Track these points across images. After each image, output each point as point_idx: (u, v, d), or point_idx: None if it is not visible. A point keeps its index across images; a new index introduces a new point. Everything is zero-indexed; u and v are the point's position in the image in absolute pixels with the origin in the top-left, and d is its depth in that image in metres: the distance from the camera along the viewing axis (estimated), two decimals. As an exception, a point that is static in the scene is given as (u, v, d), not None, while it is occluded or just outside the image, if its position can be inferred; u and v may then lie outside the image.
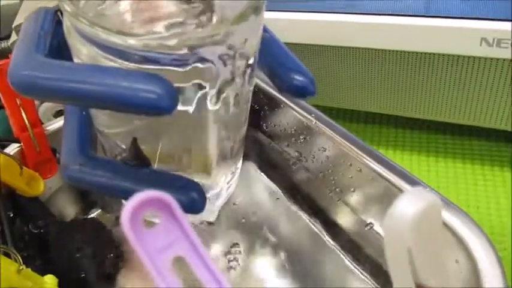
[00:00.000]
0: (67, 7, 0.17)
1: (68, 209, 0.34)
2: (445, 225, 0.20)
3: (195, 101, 0.19)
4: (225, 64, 0.18)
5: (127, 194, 0.19)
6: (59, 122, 0.33)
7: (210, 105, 0.20)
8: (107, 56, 0.17)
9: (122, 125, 0.20)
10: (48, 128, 0.32)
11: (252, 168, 0.35)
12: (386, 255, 0.13)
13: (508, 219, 0.33)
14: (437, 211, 0.13)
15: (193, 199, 0.18)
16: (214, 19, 0.18)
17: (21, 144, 0.31)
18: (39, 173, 0.31)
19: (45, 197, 0.32)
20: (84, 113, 0.23)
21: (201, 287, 0.13)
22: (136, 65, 0.17)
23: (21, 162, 0.29)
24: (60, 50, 0.20)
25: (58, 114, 0.37)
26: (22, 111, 0.30)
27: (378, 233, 0.26)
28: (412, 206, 0.12)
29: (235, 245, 0.31)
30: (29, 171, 0.30)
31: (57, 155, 0.32)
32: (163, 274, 0.12)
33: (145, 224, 0.14)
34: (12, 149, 0.31)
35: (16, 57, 0.17)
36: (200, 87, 0.18)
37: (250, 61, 0.19)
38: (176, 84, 0.16)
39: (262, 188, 0.34)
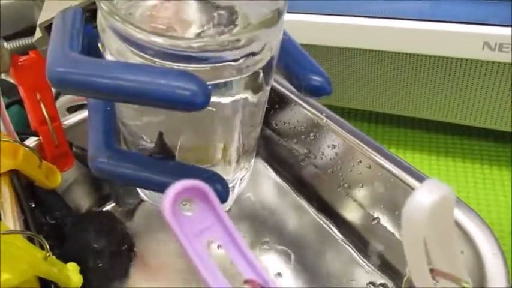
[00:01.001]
0: (103, 6, 0.18)
1: (83, 201, 0.35)
2: (462, 230, 0.21)
3: (218, 98, 0.20)
4: (246, 65, 0.19)
5: (155, 186, 0.20)
6: (75, 117, 0.34)
7: (231, 103, 0.21)
8: (136, 52, 0.18)
9: (148, 119, 0.21)
10: (65, 123, 0.33)
11: (262, 164, 0.36)
12: (404, 242, 0.15)
13: (507, 216, 0.34)
14: (451, 202, 0.14)
15: (218, 190, 0.19)
16: (239, 24, 0.19)
17: (40, 137, 0.32)
18: (57, 165, 0.32)
19: (62, 189, 0.33)
20: (108, 108, 0.24)
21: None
22: (165, 61, 0.18)
23: (40, 155, 0.30)
24: (89, 47, 0.21)
25: (71, 109, 0.38)
26: (42, 106, 0.31)
27: (384, 227, 0.27)
28: (429, 196, 0.13)
29: (244, 237, 0.33)
30: (47, 164, 0.31)
31: (73, 148, 0.33)
32: (201, 256, 0.14)
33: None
34: (31, 142, 0.32)
35: (52, 54, 0.18)
36: (223, 84, 0.20)
37: (270, 62, 0.20)
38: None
39: (272, 183, 0.35)
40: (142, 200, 0.35)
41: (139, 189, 0.28)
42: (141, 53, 0.18)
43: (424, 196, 0.13)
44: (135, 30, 0.17)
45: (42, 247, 0.23)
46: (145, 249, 0.33)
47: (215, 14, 0.20)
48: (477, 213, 0.22)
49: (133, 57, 0.19)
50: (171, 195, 0.14)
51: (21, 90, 0.31)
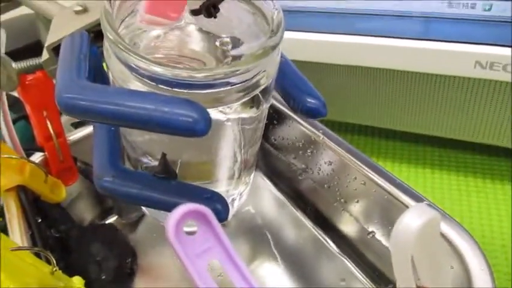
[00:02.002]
0: (109, 35, 0.19)
1: (86, 215, 0.36)
2: (441, 234, 0.22)
3: (218, 119, 0.21)
4: (246, 91, 0.20)
5: (158, 205, 0.21)
6: (80, 132, 0.35)
7: (230, 124, 0.22)
8: (139, 79, 0.19)
9: (152, 137, 0.22)
10: (70, 138, 0.34)
11: (261, 177, 0.37)
12: (393, 261, 0.16)
13: (498, 229, 0.35)
14: (436, 225, 0.15)
15: (217, 210, 0.20)
16: (238, 54, 0.20)
17: (45, 153, 0.33)
18: (61, 180, 0.33)
19: (66, 202, 0.34)
20: (112, 127, 0.25)
21: None
22: (167, 88, 0.19)
23: (46, 170, 0.31)
24: (95, 67, 0.23)
25: (78, 124, 0.39)
26: (48, 122, 0.32)
27: (379, 240, 0.28)
28: (415, 220, 0.14)
29: (242, 249, 0.33)
30: (52, 179, 0.32)
31: (78, 163, 0.34)
32: (202, 276, 0.14)
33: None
34: (37, 157, 0.33)
35: (61, 81, 0.20)
36: (222, 107, 0.21)
37: (268, 86, 0.21)
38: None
39: (270, 197, 0.36)
40: (144, 213, 0.36)
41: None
42: (143, 80, 0.19)
43: (412, 220, 0.14)
44: (139, 60, 0.18)
45: (48, 262, 0.24)
46: (148, 261, 0.34)
47: (217, 43, 0.21)
48: (466, 230, 0.23)
49: (136, 83, 0.20)
50: (175, 219, 0.15)
51: (28, 108, 0.32)
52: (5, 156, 0.29)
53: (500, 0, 0.31)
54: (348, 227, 0.31)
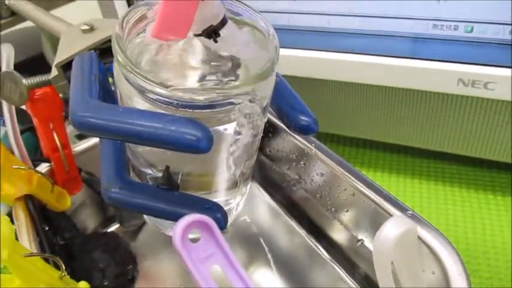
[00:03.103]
0: (119, 57, 0.21)
1: (89, 223, 0.37)
2: (423, 241, 0.24)
3: (218, 136, 0.23)
4: (245, 111, 0.22)
5: (162, 214, 0.23)
6: (84, 144, 0.37)
7: (229, 139, 0.24)
8: (145, 98, 0.21)
9: (157, 154, 0.24)
10: (75, 149, 0.35)
11: (256, 187, 0.39)
12: (375, 266, 0.17)
13: (481, 236, 0.37)
14: (413, 234, 0.17)
15: (217, 219, 0.22)
16: (239, 74, 0.22)
17: (52, 163, 0.34)
18: (66, 189, 0.35)
19: (70, 211, 0.35)
20: (118, 142, 0.27)
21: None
22: (171, 107, 0.21)
23: (52, 180, 0.33)
24: (102, 83, 0.24)
25: (82, 136, 0.40)
26: (55, 135, 0.33)
27: (367, 248, 0.30)
28: (394, 230, 0.16)
29: (238, 256, 0.35)
30: (58, 188, 0.34)
31: (82, 173, 0.36)
32: (206, 280, 0.16)
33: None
34: (43, 168, 0.34)
35: (74, 100, 0.21)
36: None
37: (264, 105, 0.23)
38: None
39: (265, 206, 0.38)
40: (144, 222, 0.38)
41: (143, 213, 0.31)
42: (149, 99, 0.21)
43: (390, 229, 0.16)
44: (145, 82, 0.20)
45: (57, 267, 0.26)
46: (148, 267, 0.35)
47: (219, 63, 0.22)
48: (446, 238, 0.24)
49: (142, 102, 0.21)
50: (181, 228, 0.16)
51: (35, 121, 0.33)
52: (15, 167, 0.31)
53: (481, 23, 0.33)
54: (338, 234, 0.32)
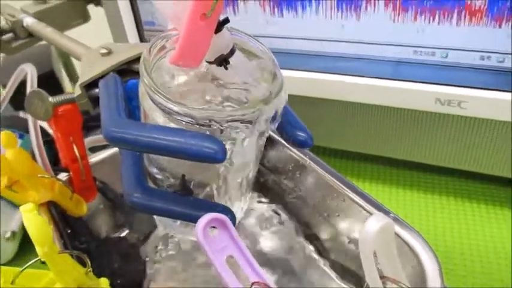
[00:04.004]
0: (145, 80, 0.25)
1: (102, 228, 0.40)
2: (403, 240, 0.28)
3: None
4: (249, 127, 0.25)
5: (179, 216, 0.27)
6: (98, 156, 0.40)
7: (235, 152, 0.28)
8: (167, 115, 0.25)
9: (174, 165, 0.28)
10: (91, 161, 0.39)
11: (256, 194, 0.42)
12: (361, 257, 0.21)
13: (458, 239, 0.41)
14: (391, 228, 0.21)
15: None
16: (248, 100, 0.26)
17: (70, 173, 0.38)
18: (83, 197, 0.38)
19: (86, 217, 0.39)
20: (137, 153, 0.30)
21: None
22: (188, 123, 0.24)
23: (71, 188, 0.36)
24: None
25: (93, 149, 0.44)
26: (74, 147, 0.37)
27: (357, 248, 0.34)
28: (375, 224, 0.20)
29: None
30: (76, 196, 0.37)
31: (97, 182, 0.39)
32: (222, 266, 0.20)
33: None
34: (62, 177, 0.37)
35: (106, 118, 0.25)
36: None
37: (267, 123, 0.27)
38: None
39: (263, 212, 0.42)
40: (152, 228, 0.41)
41: (155, 217, 0.34)
42: (170, 117, 0.25)
43: (372, 224, 0.20)
44: (168, 102, 0.24)
45: (82, 264, 0.29)
46: (156, 270, 0.38)
47: (228, 88, 0.26)
48: (423, 237, 0.28)
49: (161, 117, 0.25)
50: (202, 225, 0.20)
51: (57, 134, 0.37)
52: (40, 175, 0.34)
53: (454, 49, 0.38)
54: (330, 236, 0.36)
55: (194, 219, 0.25)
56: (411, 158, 0.46)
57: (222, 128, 0.24)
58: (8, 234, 0.40)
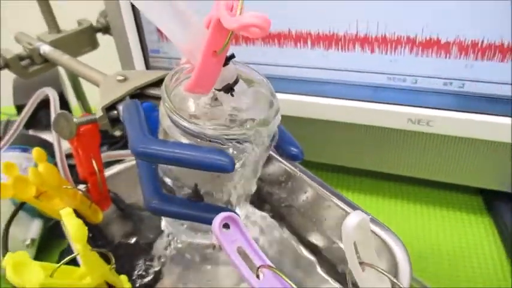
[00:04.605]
0: (166, 103, 0.30)
1: (115, 234, 0.45)
2: (378, 237, 0.33)
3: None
4: (249, 145, 0.31)
5: (193, 219, 0.32)
6: (111, 170, 0.45)
7: (239, 166, 0.33)
8: (184, 133, 0.30)
9: (188, 176, 0.33)
10: (106, 174, 0.44)
11: (251, 204, 0.48)
12: (344, 247, 0.27)
13: (429, 242, 0.47)
14: (367, 222, 0.26)
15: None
16: (245, 124, 0.31)
17: (88, 185, 0.42)
18: (99, 206, 0.42)
19: (101, 224, 0.43)
20: (152, 165, 0.35)
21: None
22: (204, 141, 0.29)
23: (90, 198, 0.41)
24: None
25: (107, 164, 0.48)
26: (93, 161, 0.41)
27: (341, 248, 0.39)
28: (354, 218, 0.25)
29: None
30: (94, 205, 0.42)
31: (110, 193, 0.44)
32: (235, 256, 0.25)
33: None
34: (82, 188, 0.42)
35: (133, 137, 0.30)
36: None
37: (267, 142, 0.32)
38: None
39: (258, 220, 0.47)
40: (159, 234, 0.46)
41: (163, 224, 0.39)
42: (186, 135, 0.30)
43: (352, 218, 0.25)
44: (184, 121, 0.29)
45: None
46: (163, 273, 0.43)
47: (233, 111, 0.32)
48: (396, 235, 0.34)
49: (178, 134, 0.30)
50: (218, 221, 0.25)
51: (77, 150, 0.41)
52: (64, 186, 0.39)
53: (422, 77, 0.44)
54: (318, 238, 0.41)
55: (205, 221, 0.30)
56: (388, 170, 0.52)
57: (228, 145, 0.29)
58: (28, 242, 0.44)
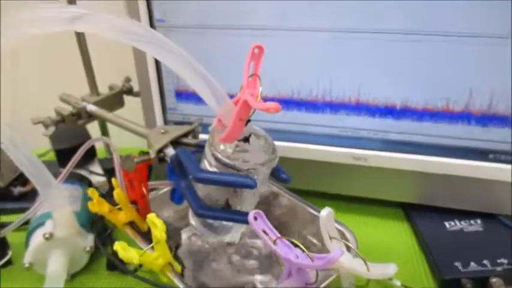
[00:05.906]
0: (212, 146, 0.49)
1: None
2: (340, 231, 0.54)
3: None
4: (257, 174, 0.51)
5: (227, 219, 0.51)
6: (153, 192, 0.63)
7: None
8: (220, 165, 0.49)
9: (218, 193, 0.52)
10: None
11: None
12: (321, 230, 0.47)
13: (375, 243, 0.68)
14: (332, 215, 0.47)
15: (252, 219, 0.50)
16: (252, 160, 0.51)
17: (138, 205, 0.60)
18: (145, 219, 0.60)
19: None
20: (192, 187, 0.54)
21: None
22: (234, 170, 0.49)
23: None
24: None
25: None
26: (143, 188, 0.59)
27: (317, 245, 0.59)
28: (326, 212, 0.46)
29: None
30: (142, 219, 0.59)
31: (151, 211, 0.62)
32: (262, 236, 0.45)
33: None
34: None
35: (192, 169, 0.49)
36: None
37: (269, 171, 0.52)
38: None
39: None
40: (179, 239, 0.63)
41: (191, 224, 0.58)
42: (221, 166, 0.49)
43: (324, 212, 0.46)
44: (222, 158, 0.49)
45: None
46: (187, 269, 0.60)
47: (248, 153, 0.51)
48: (347, 227, 0.54)
49: (216, 165, 0.50)
50: (252, 214, 0.45)
51: (129, 179, 0.59)
52: (129, 205, 0.56)
53: (360, 129, 0.67)
54: (300, 240, 0.61)
55: (236, 220, 0.49)
56: (339, 191, 0.74)
57: (247, 173, 0.49)
58: (88, 248, 0.60)
